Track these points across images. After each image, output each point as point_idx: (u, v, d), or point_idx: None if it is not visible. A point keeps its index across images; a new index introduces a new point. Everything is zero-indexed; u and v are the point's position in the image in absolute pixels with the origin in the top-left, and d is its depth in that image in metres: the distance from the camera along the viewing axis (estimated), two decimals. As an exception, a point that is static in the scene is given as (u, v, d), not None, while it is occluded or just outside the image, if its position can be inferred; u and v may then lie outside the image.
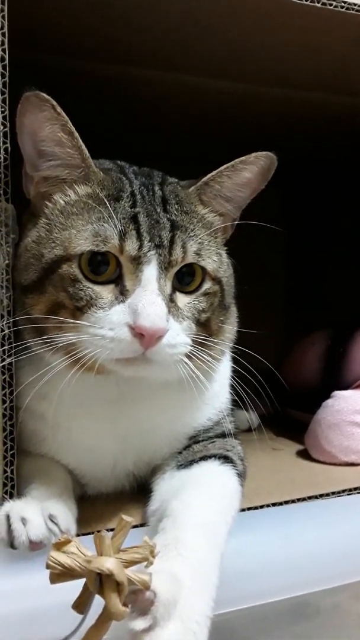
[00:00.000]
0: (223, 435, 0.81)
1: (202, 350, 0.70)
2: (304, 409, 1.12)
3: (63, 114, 0.66)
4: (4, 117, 0.67)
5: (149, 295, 0.64)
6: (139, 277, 0.66)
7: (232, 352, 0.81)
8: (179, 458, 0.78)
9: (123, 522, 0.47)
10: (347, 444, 0.97)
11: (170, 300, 0.68)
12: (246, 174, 0.75)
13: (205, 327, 0.72)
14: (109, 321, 0.64)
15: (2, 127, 0.66)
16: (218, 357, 0.75)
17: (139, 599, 0.46)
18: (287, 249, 1.51)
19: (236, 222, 0.79)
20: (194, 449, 0.78)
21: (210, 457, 0.75)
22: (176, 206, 0.72)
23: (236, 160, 0.74)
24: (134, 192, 0.70)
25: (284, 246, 1.48)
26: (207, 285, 0.72)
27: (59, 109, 0.66)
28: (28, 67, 0.70)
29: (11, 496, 0.68)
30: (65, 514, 0.65)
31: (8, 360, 0.67)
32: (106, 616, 0.44)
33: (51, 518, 0.63)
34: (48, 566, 0.44)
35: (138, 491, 0.80)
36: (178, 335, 0.67)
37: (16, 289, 0.69)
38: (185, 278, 0.70)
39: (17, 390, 0.70)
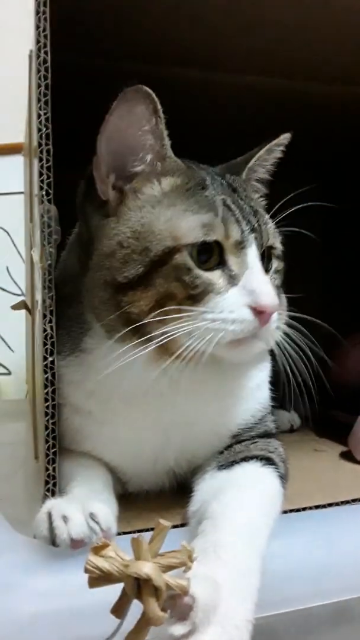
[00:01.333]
0: (265, 435, 0.81)
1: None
2: (348, 410, 1.09)
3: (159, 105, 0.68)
4: (47, 119, 0.67)
5: (259, 275, 0.69)
6: (244, 260, 0.70)
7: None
8: (219, 458, 0.77)
9: (160, 526, 0.47)
10: (392, 446, 0.95)
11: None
12: (277, 154, 0.83)
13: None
14: (229, 304, 0.67)
15: (44, 129, 0.67)
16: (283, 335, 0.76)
17: (178, 604, 0.46)
18: (324, 247, 1.48)
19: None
20: (235, 449, 0.78)
21: (252, 458, 0.75)
22: (244, 193, 0.76)
23: (271, 143, 0.82)
24: (213, 181, 0.73)
25: (321, 243, 1.45)
26: (277, 264, 0.78)
27: (157, 100, 0.67)
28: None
29: (53, 494, 0.69)
30: (106, 513, 0.65)
31: (50, 358, 0.68)
32: (145, 621, 0.44)
33: (92, 517, 0.63)
34: (86, 570, 0.45)
35: (179, 490, 0.80)
36: (279, 312, 0.72)
37: (107, 289, 0.69)
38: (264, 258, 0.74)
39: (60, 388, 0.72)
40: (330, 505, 0.80)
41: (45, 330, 0.68)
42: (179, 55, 0.91)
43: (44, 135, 0.67)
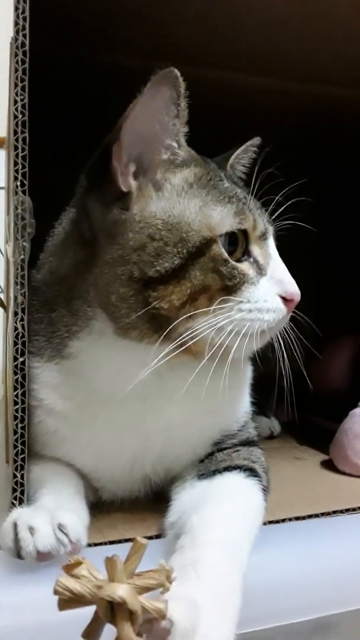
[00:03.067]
0: (247, 443, 0.78)
1: None
2: (330, 417, 1.07)
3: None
4: (23, 106, 0.63)
5: (281, 265, 0.72)
6: (266, 250, 0.72)
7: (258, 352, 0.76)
8: (200, 467, 0.74)
9: (137, 545, 0.43)
10: (375, 456, 0.92)
11: None
12: (252, 154, 0.84)
13: None
14: (263, 294, 0.68)
15: (21, 116, 0.63)
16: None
17: (155, 629, 0.43)
18: (317, 251, 1.46)
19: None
20: (217, 458, 0.75)
21: (234, 468, 0.72)
22: (241, 184, 0.77)
23: (248, 143, 0.84)
24: (223, 174, 0.73)
25: (314, 247, 1.43)
26: None
27: (183, 84, 0.64)
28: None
29: (20, 502, 0.65)
30: (76, 524, 0.61)
31: (21, 359, 0.64)
32: (119, 647, 0.40)
33: (60, 527, 0.59)
34: (56, 592, 0.41)
35: (154, 500, 0.77)
36: None
37: (133, 285, 0.64)
38: None
39: (33, 390, 0.69)
40: (310, 517, 0.77)
41: (16, 329, 0.64)
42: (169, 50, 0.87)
43: (20, 123, 0.63)
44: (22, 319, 0.64)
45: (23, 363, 0.65)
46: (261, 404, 0.88)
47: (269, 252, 0.72)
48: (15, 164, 0.63)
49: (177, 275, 0.64)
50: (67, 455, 0.74)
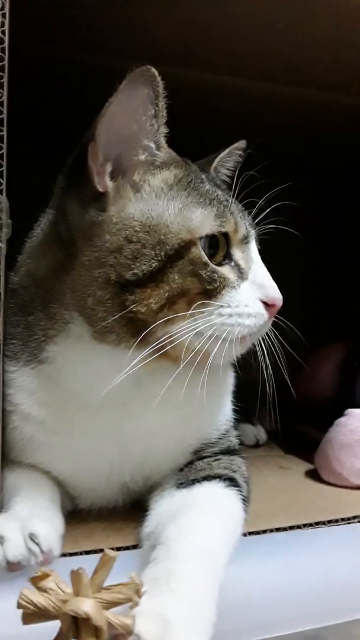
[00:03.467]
0: (228, 451, 0.76)
1: None
2: (315, 425, 1.06)
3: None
4: (1, 104, 0.61)
5: (263, 269, 0.70)
6: (248, 254, 0.70)
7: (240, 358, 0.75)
8: (179, 476, 0.72)
9: (106, 557, 0.42)
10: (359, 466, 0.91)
11: None
12: (237, 158, 0.83)
13: None
14: (244, 298, 0.66)
15: (-3, 116, 0.61)
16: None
17: (122, 646, 0.41)
18: (304, 257, 1.46)
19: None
20: (196, 467, 0.73)
21: (214, 477, 0.70)
22: (223, 187, 0.75)
23: (232, 146, 0.83)
24: (204, 177, 0.72)
25: (301, 254, 1.42)
26: None
27: (161, 84, 0.63)
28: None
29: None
30: (48, 533, 0.59)
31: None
32: (83, 665, 0.39)
33: (32, 537, 0.58)
34: (19, 605, 0.39)
35: (133, 508, 0.75)
36: None
37: (110, 288, 0.63)
38: None
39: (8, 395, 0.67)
40: (292, 528, 0.75)
41: (-9, 330, 0.62)
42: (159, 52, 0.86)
43: (-2, 122, 0.61)
44: (-4, 321, 0.62)
45: (-2, 366, 0.63)
46: (246, 412, 0.86)
47: (250, 256, 0.70)
48: (-8, 163, 0.61)
49: (155, 278, 0.62)
50: (43, 462, 0.72)
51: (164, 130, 0.66)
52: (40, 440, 0.70)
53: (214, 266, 0.65)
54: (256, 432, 1.19)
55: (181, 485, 0.70)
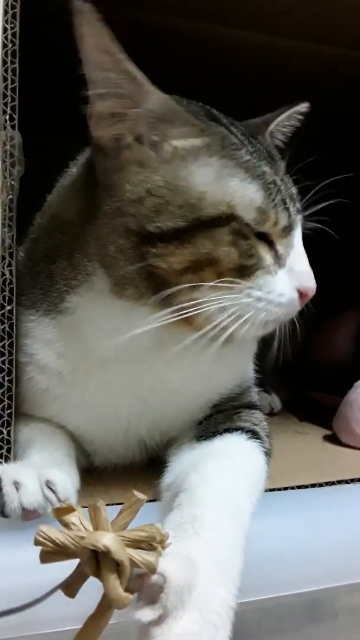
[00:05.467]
0: (249, 406, 0.74)
1: None
2: (332, 391, 1.03)
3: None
4: (14, 35, 0.59)
5: (303, 257, 0.66)
6: (290, 241, 0.66)
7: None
8: (198, 429, 0.70)
9: (134, 499, 0.39)
10: (380, 427, 0.89)
11: None
12: (294, 122, 0.77)
13: None
14: (280, 286, 0.63)
15: (10, 45, 0.59)
16: None
17: (146, 584, 0.39)
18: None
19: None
20: (216, 419, 0.71)
21: (235, 429, 0.68)
22: (277, 157, 0.69)
23: (292, 110, 0.76)
24: (246, 141, 0.65)
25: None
26: None
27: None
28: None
29: (7, 460, 0.61)
30: (65, 482, 0.57)
31: (8, 307, 0.60)
32: (105, 604, 0.36)
33: (48, 484, 0.55)
34: (37, 542, 0.37)
35: (149, 467, 0.73)
36: None
37: (130, 237, 0.60)
38: None
39: (25, 344, 0.65)
40: (313, 485, 0.73)
41: (3, 274, 0.60)
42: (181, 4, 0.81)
43: (9, 52, 0.59)
44: (9, 264, 0.60)
45: (11, 312, 0.61)
46: (261, 380, 0.84)
47: (292, 243, 0.66)
48: (5, 96, 0.58)
49: (180, 237, 0.59)
50: (58, 416, 0.70)
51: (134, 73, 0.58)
52: (56, 392, 0.68)
53: (254, 242, 0.61)
54: (271, 400, 1.16)
55: (201, 437, 0.68)
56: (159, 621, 0.40)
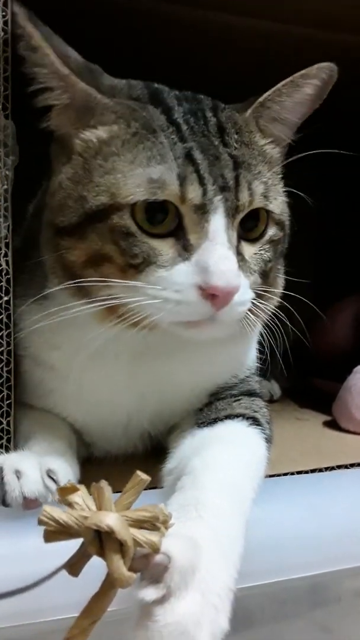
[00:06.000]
0: (249, 393, 0.73)
1: (261, 302, 0.63)
2: (332, 377, 1.03)
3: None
4: (5, 23, 0.58)
5: (219, 249, 0.56)
6: (205, 228, 0.57)
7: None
8: (199, 416, 0.70)
9: (137, 479, 0.39)
10: (379, 412, 0.89)
11: (238, 253, 0.60)
12: (307, 89, 0.66)
13: (265, 278, 0.64)
14: (174, 282, 0.56)
15: (2, 34, 0.58)
16: (270, 310, 0.67)
17: (150, 564, 0.39)
18: (318, 210, 1.42)
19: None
20: (216, 406, 0.70)
21: (236, 416, 0.68)
22: (236, 136, 0.62)
23: (296, 74, 0.65)
24: (177, 122, 0.60)
25: (315, 207, 1.39)
26: (272, 232, 0.64)
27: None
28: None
29: (7, 450, 0.61)
30: (66, 471, 0.58)
31: (5, 298, 0.60)
32: (109, 583, 0.37)
33: (49, 474, 0.56)
34: (40, 522, 0.37)
35: (150, 455, 0.73)
36: (246, 292, 0.60)
37: (49, 229, 0.61)
38: (248, 223, 0.61)
39: (18, 333, 0.64)
40: (313, 471, 0.74)
41: (0, 265, 0.59)
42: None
43: (1, 42, 0.58)
44: (5, 255, 0.60)
45: (8, 302, 0.61)
46: (261, 367, 0.84)
47: (207, 231, 0.57)
48: (-3, 85, 0.58)
49: (77, 232, 0.58)
50: (54, 408, 0.70)
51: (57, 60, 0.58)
52: (51, 385, 0.69)
53: (141, 238, 0.56)
54: (270, 387, 1.16)
55: (202, 424, 0.68)
56: (162, 600, 0.40)
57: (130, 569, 0.37)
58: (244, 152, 0.61)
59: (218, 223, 0.57)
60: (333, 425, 0.95)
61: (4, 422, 0.61)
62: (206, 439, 0.63)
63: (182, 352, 0.66)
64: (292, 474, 0.72)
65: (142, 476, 0.40)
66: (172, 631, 0.40)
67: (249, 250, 0.62)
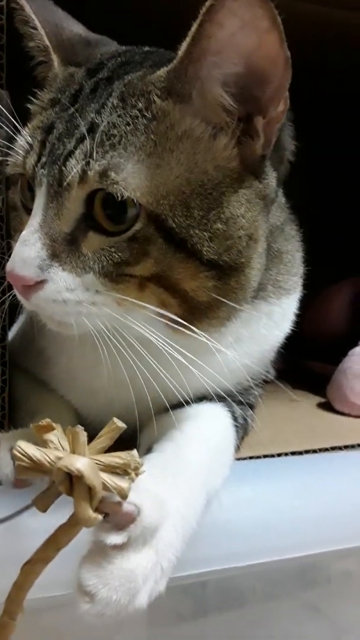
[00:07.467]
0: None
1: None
2: (327, 360, 1.03)
3: None
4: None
5: (25, 231, 0.52)
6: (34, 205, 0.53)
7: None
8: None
9: (113, 426, 0.41)
10: (374, 395, 0.88)
11: (69, 241, 0.52)
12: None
13: (116, 283, 0.53)
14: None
15: (-1, 1, 0.59)
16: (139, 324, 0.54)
17: (120, 511, 0.40)
18: (312, 194, 1.41)
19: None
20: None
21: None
22: (99, 101, 0.53)
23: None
24: (75, 91, 0.56)
25: (309, 190, 1.38)
26: (137, 226, 0.51)
27: None
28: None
29: (2, 426, 0.62)
30: None
31: None
32: (74, 521, 0.38)
33: None
34: (14, 457, 0.38)
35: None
36: (71, 292, 0.52)
37: None
38: (121, 214, 0.52)
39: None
40: (307, 452, 0.73)
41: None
42: None
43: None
44: (0, 228, 0.60)
45: (3, 278, 0.60)
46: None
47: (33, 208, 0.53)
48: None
49: None
50: (52, 382, 0.70)
51: None
52: (48, 354, 0.68)
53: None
54: (265, 368, 1.16)
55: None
56: (121, 547, 0.42)
57: (97, 511, 0.38)
58: (115, 119, 0.51)
59: (39, 200, 0.52)
60: (327, 407, 0.94)
61: (-1, 400, 0.61)
62: (184, 413, 0.62)
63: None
64: (286, 454, 0.72)
65: (118, 423, 0.41)
66: (122, 576, 0.41)
67: (95, 242, 0.52)
